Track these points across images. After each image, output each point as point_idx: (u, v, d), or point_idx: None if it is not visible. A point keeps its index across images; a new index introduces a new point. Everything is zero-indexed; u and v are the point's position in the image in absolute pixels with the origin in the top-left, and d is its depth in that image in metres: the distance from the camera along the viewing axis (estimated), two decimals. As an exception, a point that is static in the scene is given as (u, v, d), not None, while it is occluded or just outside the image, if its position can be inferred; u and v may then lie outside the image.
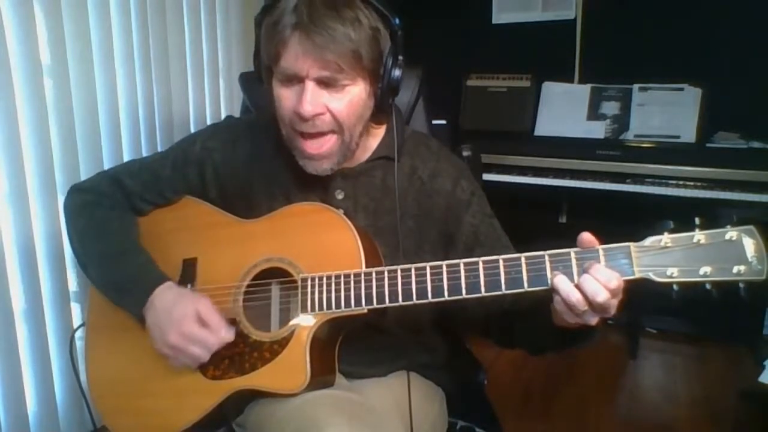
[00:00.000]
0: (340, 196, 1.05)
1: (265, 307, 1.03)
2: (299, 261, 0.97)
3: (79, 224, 1.12)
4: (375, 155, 1.06)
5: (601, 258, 0.81)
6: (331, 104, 0.93)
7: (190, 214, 1.11)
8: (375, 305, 0.90)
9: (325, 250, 0.96)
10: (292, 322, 0.95)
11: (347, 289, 0.92)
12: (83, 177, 1.59)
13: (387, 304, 0.90)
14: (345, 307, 0.92)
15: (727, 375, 2.45)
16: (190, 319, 0.95)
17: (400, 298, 0.89)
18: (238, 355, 0.97)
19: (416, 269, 0.89)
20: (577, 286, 0.80)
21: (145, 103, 1.96)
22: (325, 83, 0.91)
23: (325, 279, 0.93)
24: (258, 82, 1.00)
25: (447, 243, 1.06)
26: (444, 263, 0.88)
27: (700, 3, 2.59)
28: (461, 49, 2.98)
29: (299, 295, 0.95)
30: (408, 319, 1.03)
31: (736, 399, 2.21)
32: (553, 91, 2.76)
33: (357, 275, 0.92)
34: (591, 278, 0.79)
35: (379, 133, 1.07)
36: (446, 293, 0.87)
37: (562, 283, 0.80)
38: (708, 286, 0.79)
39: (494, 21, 2.97)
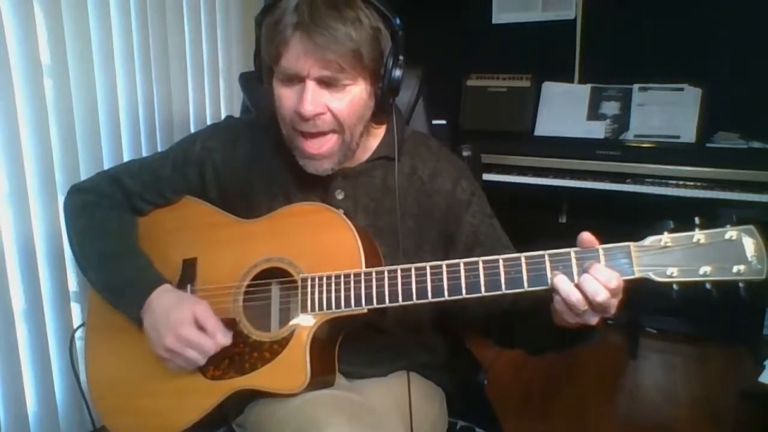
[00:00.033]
0: (340, 196, 1.05)
1: (265, 307, 1.03)
2: (299, 261, 0.97)
3: (79, 224, 1.11)
4: (375, 155, 1.06)
5: (601, 258, 0.81)
6: (331, 104, 0.93)
7: (190, 214, 1.11)
8: (375, 305, 0.90)
9: (325, 250, 0.96)
10: (292, 322, 0.95)
11: (347, 289, 0.92)
12: (83, 177, 1.58)
13: (387, 304, 0.90)
14: (345, 307, 0.92)
15: (727, 375, 2.45)
16: (187, 323, 0.95)
17: (400, 298, 0.89)
18: (238, 355, 0.97)
19: (416, 269, 0.89)
20: (577, 286, 0.80)
21: (145, 103, 1.96)
22: (325, 83, 0.91)
23: (325, 279, 0.93)
24: (258, 82, 1.00)
25: (447, 243, 1.06)
26: (444, 263, 0.88)
27: (700, 3, 2.59)
28: (461, 49, 2.98)
29: (299, 295, 0.95)
30: (408, 319, 1.03)
31: (736, 399, 2.21)
32: (553, 91, 2.76)
33: (357, 275, 0.92)
34: (591, 278, 0.79)
35: (379, 133, 1.07)
36: (446, 293, 0.87)
37: (562, 282, 0.80)
38: (708, 286, 0.79)
39: (494, 21, 2.97)
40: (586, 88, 2.72)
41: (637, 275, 0.80)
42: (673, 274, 0.78)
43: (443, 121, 2.11)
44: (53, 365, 1.72)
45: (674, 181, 2.36)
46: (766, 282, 0.76)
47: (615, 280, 0.78)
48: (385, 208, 1.05)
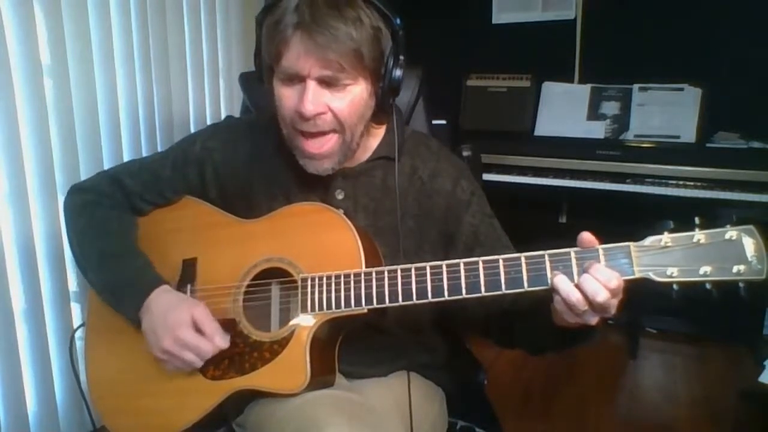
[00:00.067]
0: (340, 196, 1.05)
1: (265, 307, 1.03)
2: (299, 261, 0.97)
3: (79, 224, 1.11)
4: (375, 155, 1.06)
5: (601, 258, 0.81)
6: (332, 103, 0.93)
7: (190, 214, 1.11)
8: (375, 305, 0.90)
9: (325, 250, 0.96)
10: (292, 322, 0.95)
11: (347, 289, 0.92)
12: (83, 177, 1.58)
13: (387, 304, 0.90)
14: (345, 307, 0.92)
15: (727, 375, 2.45)
16: (185, 326, 0.95)
17: (400, 298, 0.89)
18: (238, 355, 0.97)
19: (416, 269, 0.89)
20: (577, 286, 0.80)
21: (145, 103, 1.96)
22: (326, 83, 0.91)
23: (325, 279, 0.93)
24: (258, 81, 1.00)
25: (447, 243, 1.06)
26: (444, 263, 0.88)
27: (700, 3, 2.59)
28: (461, 49, 2.98)
29: (299, 295, 0.95)
30: (408, 319, 1.03)
31: (736, 399, 2.21)
32: (553, 91, 2.76)
33: (357, 275, 0.92)
34: (591, 278, 0.79)
35: (379, 133, 1.07)
36: (446, 293, 0.87)
37: (562, 282, 0.80)
38: (708, 286, 0.79)
39: (494, 21, 2.97)
40: (586, 88, 2.72)
41: (637, 275, 0.80)
42: (673, 274, 0.78)
43: (443, 121, 2.11)
44: (53, 365, 1.72)
45: (674, 181, 2.37)
46: (766, 282, 0.76)
47: (615, 280, 0.78)
48: (385, 208, 1.05)
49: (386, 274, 0.90)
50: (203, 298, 1.02)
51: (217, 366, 0.98)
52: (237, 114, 1.62)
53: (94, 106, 1.77)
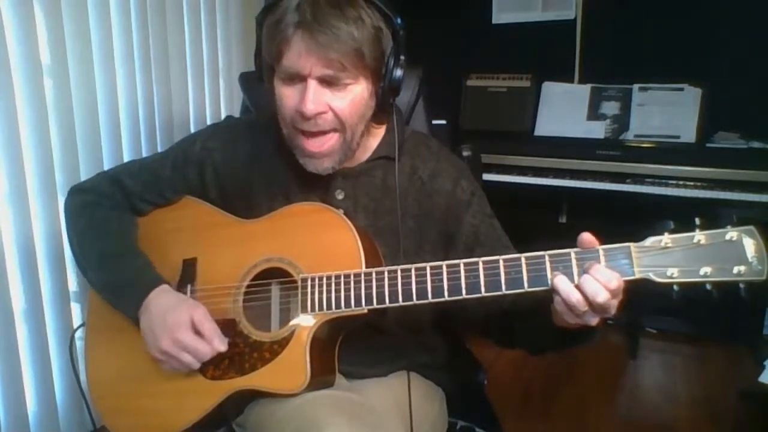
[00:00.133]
0: (340, 196, 1.05)
1: (265, 308, 1.03)
2: (299, 261, 0.97)
3: (79, 225, 1.12)
4: (375, 155, 1.06)
5: (602, 258, 0.81)
6: (333, 103, 0.93)
7: (190, 214, 1.11)
8: (375, 305, 0.90)
9: (325, 250, 0.96)
10: (292, 323, 0.95)
11: (347, 289, 0.92)
12: (83, 177, 1.59)
13: (387, 304, 0.90)
14: (345, 307, 0.92)
15: (727, 375, 2.45)
16: (185, 327, 0.95)
17: (400, 298, 0.89)
18: (238, 355, 0.97)
19: (416, 269, 0.89)
20: (578, 287, 0.80)
21: (145, 103, 1.95)
22: (327, 82, 0.91)
23: (325, 279, 0.93)
24: (259, 81, 1.00)
25: (447, 243, 1.06)
26: (444, 263, 0.88)
27: (700, 3, 2.59)
28: (461, 49, 2.98)
29: (299, 295, 0.95)
30: (408, 319, 1.03)
31: (736, 399, 2.21)
32: (553, 91, 2.76)
33: (357, 275, 0.92)
34: (591, 278, 0.79)
35: (379, 133, 1.07)
36: (446, 293, 0.87)
37: (562, 283, 0.80)
38: (708, 287, 0.79)
39: (494, 21, 2.97)
40: (586, 88, 2.72)
41: (638, 276, 0.79)
42: (673, 274, 0.78)
43: (443, 121, 2.11)
44: (53, 365, 1.72)
45: (674, 181, 2.37)
46: (766, 282, 0.76)
47: (615, 280, 0.78)
48: (385, 208, 1.05)
49: (386, 274, 0.90)
50: (203, 298, 1.02)
51: (217, 366, 0.98)
52: (237, 114, 1.62)
53: (94, 106, 1.77)
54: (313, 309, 0.93)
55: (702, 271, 0.77)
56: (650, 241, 0.80)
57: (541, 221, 2.83)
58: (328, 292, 0.93)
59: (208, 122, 2.21)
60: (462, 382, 1.21)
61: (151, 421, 1.03)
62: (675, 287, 0.79)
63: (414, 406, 1.00)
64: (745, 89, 2.46)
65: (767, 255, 0.76)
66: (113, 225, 1.10)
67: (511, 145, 2.65)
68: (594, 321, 0.82)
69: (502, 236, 1.07)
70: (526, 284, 0.84)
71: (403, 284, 0.89)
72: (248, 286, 1.01)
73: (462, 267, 0.87)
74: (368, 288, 0.91)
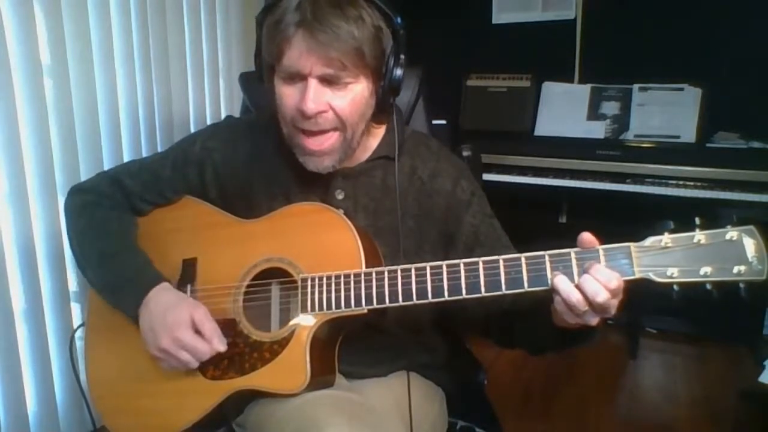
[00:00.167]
0: (340, 196, 1.05)
1: (265, 307, 1.03)
2: (299, 261, 0.97)
3: (79, 225, 1.12)
4: (375, 155, 1.06)
5: (602, 258, 0.81)
6: (333, 102, 0.93)
7: (190, 214, 1.11)
8: (375, 305, 0.90)
9: (325, 250, 0.96)
10: (292, 322, 0.95)
11: (347, 289, 0.92)
12: (83, 177, 1.59)
13: (387, 304, 0.90)
14: (345, 307, 0.92)
15: (727, 375, 2.45)
16: (185, 326, 0.95)
17: (400, 298, 0.89)
18: (238, 355, 0.97)
19: (416, 269, 0.89)
20: (578, 287, 0.80)
21: (145, 103, 1.95)
22: (327, 81, 0.91)
23: (325, 279, 0.93)
24: (259, 81, 1.00)
25: (447, 243, 1.06)
26: (444, 263, 0.88)
27: (700, 3, 2.59)
28: (461, 49, 2.98)
29: (299, 295, 0.95)
30: (408, 319, 1.03)
31: (736, 399, 2.21)
32: (553, 91, 2.76)
33: (357, 275, 0.92)
34: (591, 278, 0.79)
35: (379, 132, 1.07)
36: (446, 293, 0.87)
37: (562, 283, 0.80)
38: (708, 286, 0.79)
39: (494, 21, 2.97)
40: (586, 88, 2.72)
41: (638, 276, 0.79)
42: (673, 274, 0.78)
43: (443, 121, 2.11)
44: (53, 365, 1.72)
45: (674, 181, 2.36)
46: (766, 282, 0.76)
47: (615, 280, 0.78)
48: (385, 208, 1.05)
49: (386, 274, 0.90)
50: (203, 298, 1.02)
51: (216, 366, 0.98)
52: (237, 114, 1.62)
53: (94, 106, 1.77)
54: (313, 309, 0.93)
55: (702, 271, 0.77)
56: (650, 241, 0.80)
57: (541, 221, 2.83)
58: (328, 292, 0.93)
59: (208, 122, 2.20)
60: (462, 382, 1.21)
61: (151, 421, 1.03)
62: (675, 287, 0.79)
63: (414, 406, 1.00)
64: (745, 89, 2.46)
65: (767, 255, 0.76)
66: (113, 225, 1.10)
67: (511, 145, 2.65)
68: (594, 321, 0.82)
69: (502, 236, 1.07)
70: (526, 284, 0.84)
71: (403, 284, 0.89)
72: (248, 286, 1.01)
73: (462, 267, 0.87)
74: (368, 288, 0.91)
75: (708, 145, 2.47)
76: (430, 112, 1.42)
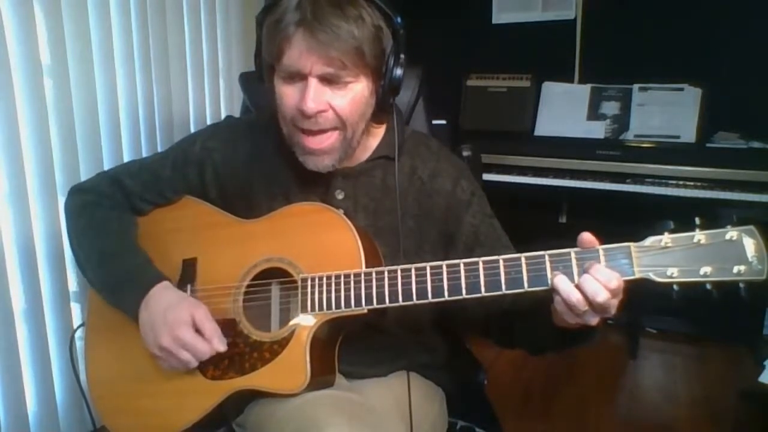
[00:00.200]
0: (340, 196, 1.05)
1: (265, 307, 1.03)
2: (299, 261, 0.97)
3: (79, 224, 1.12)
4: (375, 155, 1.06)
5: (602, 258, 0.81)
6: (334, 101, 0.93)
7: (190, 214, 1.11)
8: (375, 305, 0.90)
9: (325, 250, 0.96)
10: (292, 322, 0.95)
11: (347, 289, 0.92)
12: (83, 177, 1.59)
13: (387, 304, 0.90)
14: (345, 307, 0.92)
15: (727, 375, 2.45)
16: (185, 325, 0.95)
17: (400, 298, 0.89)
18: (238, 355, 0.97)
19: (416, 269, 0.89)
20: (578, 286, 0.80)
21: (145, 103, 1.96)
22: (327, 80, 0.91)
23: (325, 279, 0.93)
24: (259, 81, 1.00)
25: (447, 243, 1.06)
26: (444, 263, 0.88)
27: (700, 3, 2.59)
28: (461, 49, 2.98)
29: (299, 295, 0.95)
30: (408, 319, 1.03)
31: (736, 399, 2.21)
32: (553, 91, 2.76)
33: (357, 275, 0.92)
34: (591, 278, 0.79)
35: (378, 132, 1.07)
36: (446, 293, 0.87)
37: (562, 283, 0.80)
38: (708, 286, 0.79)
39: (494, 21, 2.97)
40: (586, 88, 2.72)
41: (638, 276, 0.79)
42: (673, 274, 0.78)
43: (443, 121, 2.11)
44: (53, 365, 1.72)
45: (674, 181, 2.37)
46: (766, 282, 0.76)
47: (615, 280, 0.78)
48: (385, 208, 1.05)
49: (386, 274, 0.90)
50: (203, 298, 1.02)
51: (216, 366, 0.98)
52: (237, 114, 1.62)
53: (94, 106, 1.77)
54: (313, 309, 0.93)
55: (702, 271, 0.77)
56: (650, 240, 0.80)
57: (541, 221, 2.83)
58: (328, 292, 0.93)
59: (208, 122, 2.21)
60: (462, 382, 1.21)
61: (151, 421, 1.03)
62: (675, 287, 0.79)
63: (414, 406, 1.00)
64: (745, 89, 2.46)
65: (767, 255, 0.76)
66: (113, 224, 1.10)
67: (511, 145, 2.65)
68: (594, 321, 0.82)
69: (502, 236, 1.07)
70: (526, 284, 0.84)
71: (403, 284, 0.89)
72: (248, 286, 1.01)
73: (462, 267, 0.87)
74: (368, 288, 0.91)
75: (708, 145, 2.47)
76: (430, 112, 1.42)
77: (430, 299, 0.88)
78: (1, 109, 1.50)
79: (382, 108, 0.98)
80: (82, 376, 1.12)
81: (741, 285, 0.78)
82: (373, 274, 0.91)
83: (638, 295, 0.79)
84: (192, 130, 1.98)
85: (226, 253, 1.03)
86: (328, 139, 0.96)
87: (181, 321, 0.95)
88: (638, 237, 0.81)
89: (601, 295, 0.78)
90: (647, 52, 2.65)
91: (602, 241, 0.82)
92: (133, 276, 1.03)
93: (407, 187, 1.05)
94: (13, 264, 1.59)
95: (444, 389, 1.17)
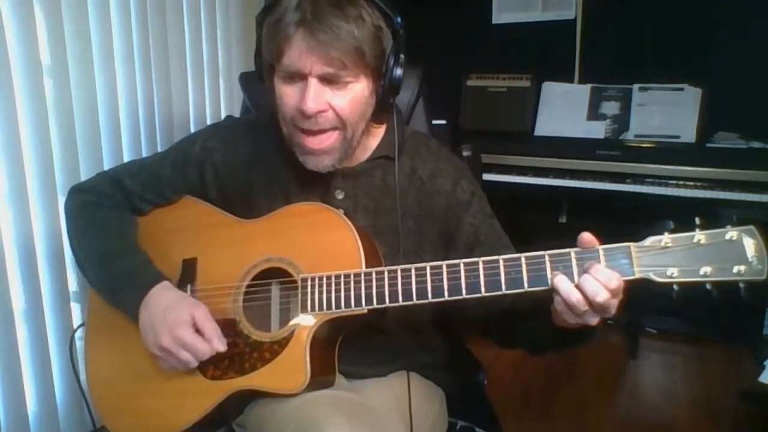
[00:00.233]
0: (340, 196, 1.05)
1: (265, 307, 1.03)
2: (299, 261, 0.97)
3: (79, 224, 1.12)
4: (375, 155, 1.06)
5: (602, 258, 0.81)
6: (333, 101, 0.93)
7: (190, 214, 1.11)
8: (375, 305, 0.90)
9: (325, 250, 0.96)
10: (292, 322, 0.95)
11: (347, 289, 0.92)
12: (83, 177, 1.59)
13: (387, 304, 0.90)
14: (345, 307, 0.92)
15: (727, 375, 2.45)
16: (185, 325, 0.95)
17: (400, 298, 0.89)
18: (238, 355, 0.97)
19: (416, 269, 0.89)
20: (578, 286, 0.80)
21: (145, 103, 1.96)
22: (327, 80, 0.92)
23: (325, 279, 0.93)
24: (259, 81, 1.00)
25: (447, 243, 1.06)
26: (444, 263, 0.88)
27: (700, 3, 2.59)
28: (461, 49, 2.98)
29: (299, 295, 0.95)
30: (408, 319, 1.03)
31: (736, 399, 2.21)
32: (553, 91, 2.76)
33: (357, 275, 0.92)
34: (591, 278, 0.79)
35: (378, 132, 1.07)
36: (446, 293, 0.87)
37: (562, 283, 0.80)
38: (708, 286, 0.79)
39: (494, 21, 2.97)
40: (586, 88, 2.72)
41: (638, 276, 0.79)
42: (673, 274, 0.78)
43: (443, 121, 2.11)
44: (53, 365, 1.72)
45: (674, 181, 2.37)
46: (766, 282, 0.76)
47: (615, 280, 0.78)
48: (385, 208, 1.05)
49: (386, 274, 0.90)
50: (203, 298, 1.02)
51: (216, 366, 0.98)
52: (237, 114, 1.62)
53: (94, 106, 1.77)
54: (313, 309, 0.93)
55: (702, 271, 0.77)
56: (650, 240, 0.80)
57: (541, 221, 2.83)
58: (328, 292, 0.93)
59: (208, 122, 2.21)
60: (462, 382, 1.21)
61: (151, 421, 1.03)
62: (675, 287, 0.79)
63: (414, 406, 1.00)
64: (745, 89, 2.46)
65: (767, 255, 0.76)
66: (113, 224, 1.10)
67: (511, 145, 2.65)
68: (594, 321, 0.82)
69: (502, 236, 1.07)
70: (526, 284, 0.84)
71: (403, 284, 0.89)
72: (248, 286, 1.01)
73: (462, 267, 0.87)
74: (368, 288, 0.91)
75: (708, 145, 2.47)
76: (430, 112, 1.42)
77: (430, 299, 0.88)
78: (1, 109, 1.50)
79: (382, 108, 0.98)
80: (82, 376, 1.12)
81: (741, 285, 0.78)
82: (373, 274, 0.91)
83: (638, 295, 0.79)
84: (192, 130, 1.98)
85: (226, 253, 1.03)
86: (328, 139, 0.96)
87: (181, 321, 0.95)
88: (638, 237, 0.81)
89: (601, 295, 0.78)
90: (647, 52, 2.65)
91: (602, 241, 0.82)
92: (133, 276, 1.03)
93: (407, 187, 1.05)
94: (13, 264, 1.59)
95: (444, 389, 1.17)
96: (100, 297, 1.09)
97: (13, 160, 1.55)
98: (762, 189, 2.22)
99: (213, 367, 0.98)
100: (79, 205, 1.13)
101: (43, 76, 1.61)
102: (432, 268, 0.89)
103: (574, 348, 0.93)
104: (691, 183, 2.34)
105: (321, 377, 0.95)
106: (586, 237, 0.82)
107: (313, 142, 0.96)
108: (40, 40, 1.58)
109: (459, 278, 0.87)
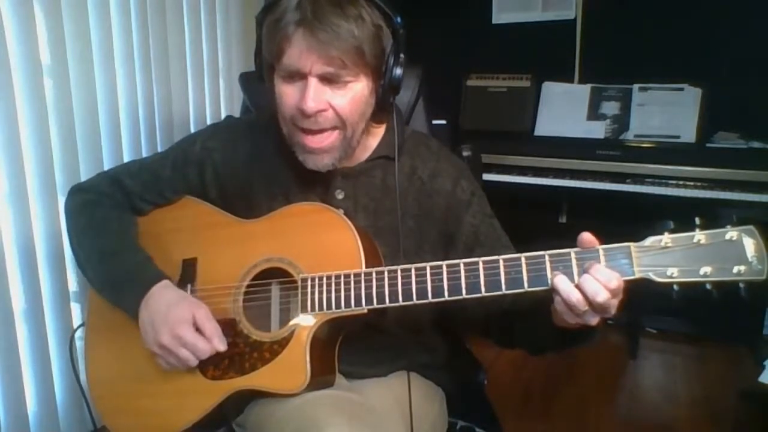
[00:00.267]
0: (340, 196, 1.05)
1: (265, 307, 1.03)
2: (299, 261, 0.97)
3: (79, 224, 1.12)
4: (375, 155, 1.06)
5: (601, 258, 0.81)
6: (333, 100, 0.93)
7: (190, 214, 1.11)
8: (375, 305, 0.90)
9: (325, 250, 0.96)
10: (292, 322, 0.95)
11: (347, 289, 0.92)
12: (83, 177, 1.59)
13: (387, 304, 0.90)
14: (345, 307, 0.92)
15: (727, 375, 2.45)
16: (186, 324, 0.95)
17: (400, 298, 0.89)
18: (238, 355, 0.97)
19: (416, 269, 0.89)
20: (578, 286, 0.80)
21: (145, 103, 1.96)
22: (327, 80, 0.92)
23: (325, 279, 0.93)
24: (259, 81, 1.00)
25: (447, 243, 1.06)
26: (444, 263, 0.88)
27: (700, 3, 2.59)
28: (461, 49, 2.98)
29: (299, 295, 0.95)
30: (408, 319, 1.03)
31: (736, 399, 2.21)
32: (553, 91, 2.76)
33: (357, 275, 0.92)
34: (591, 278, 0.79)
35: (378, 132, 1.07)
36: (446, 293, 0.87)
37: (562, 283, 0.80)
38: (708, 286, 0.79)
39: (494, 21, 2.97)
40: (586, 88, 2.72)
41: (638, 276, 0.79)
42: (673, 274, 0.78)
43: (443, 121, 2.11)
44: (53, 365, 1.72)
45: (674, 181, 2.37)
46: (766, 282, 0.76)
47: (615, 280, 0.78)
48: (385, 208, 1.05)
49: (386, 274, 0.90)
50: (203, 298, 1.02)
51: (216, 366, 0.98)
52: (237, 114, 1.62)
53: (94, 106, 1.77)
54: (313, 309, 0.94)
55: (702, 271, 0.77)
56: (650, 240, 0.80)
57: (541, 221, 2.83)
58: (328, 292, 0.93)
59: (208, 122, 2.21)
60: (462, 382, 1.21)
61: (151, 421, 1.03)
62: (675, 287, 0.79)
63: (414, 406, 1.00)
64: (745, 89, 2.46)
65: (767, 255, 0.76)
66: (113, 224, 1.10)
67: (511, 145, 2.65)
68: (594, 321, 0.82)
69: (502, 236, 1.07)
70: (526, 284, 0.84)
71: (403, 284, 0.89)
72: (248, 286, 1.01)
73: (462, 267, 0.87)
74: (368, 288, 0.91)
75: (708, 145, 2.47)
76: (430, 112, 1.42)
77: (430, 299, 0.88)
78: (1, 109, 1.50)
79: (382, 108, 0.98)
80: (82, 376, 1.12)
81: (741, 285, 0.78)
82: (373, 274, 0.91)
83: (638, 295, 0.79)
84: (192, 130, 1.98)
85: (226, 253, 1.03)
86: (328, 138, 0.96)
87: (181, 319, 0.95)
88: (638, 237, 0.81)
89: (601, 295, 0.78)
90: (647, 52, 2.65)
91: (602, 241, 0.82)
92: (134, 275, 1.03)
93: (407, 187, 1.05)
94: (13, 264, 1.59)
95: (444, 389, 1.17)
96: (100, 297, 1.09)
97: (13, 160, 1.55)
98: (762, 189, 2.22)
99: (213, 367, 0.98)
100: (80, 205, 1.13)
101: (43, 76, 1.61)
102: (432, 268, 0.88)
103: (574, 348, 0.93)
104: (691, 183, 2.34)
105: (321, 377, 0.95)
106: (586, 237, 0.82)
107: (313, 141, 0.96)
108: (40, 40, 1.58)
109: (459, 278, 0.87)
